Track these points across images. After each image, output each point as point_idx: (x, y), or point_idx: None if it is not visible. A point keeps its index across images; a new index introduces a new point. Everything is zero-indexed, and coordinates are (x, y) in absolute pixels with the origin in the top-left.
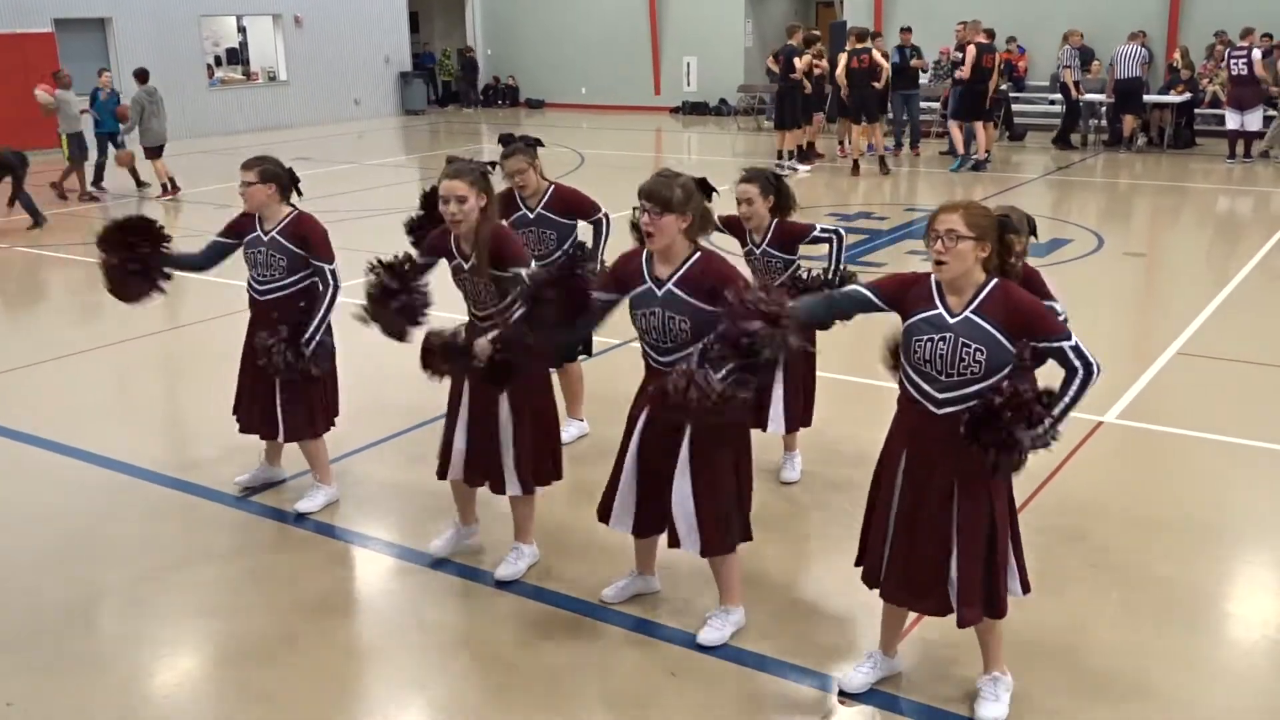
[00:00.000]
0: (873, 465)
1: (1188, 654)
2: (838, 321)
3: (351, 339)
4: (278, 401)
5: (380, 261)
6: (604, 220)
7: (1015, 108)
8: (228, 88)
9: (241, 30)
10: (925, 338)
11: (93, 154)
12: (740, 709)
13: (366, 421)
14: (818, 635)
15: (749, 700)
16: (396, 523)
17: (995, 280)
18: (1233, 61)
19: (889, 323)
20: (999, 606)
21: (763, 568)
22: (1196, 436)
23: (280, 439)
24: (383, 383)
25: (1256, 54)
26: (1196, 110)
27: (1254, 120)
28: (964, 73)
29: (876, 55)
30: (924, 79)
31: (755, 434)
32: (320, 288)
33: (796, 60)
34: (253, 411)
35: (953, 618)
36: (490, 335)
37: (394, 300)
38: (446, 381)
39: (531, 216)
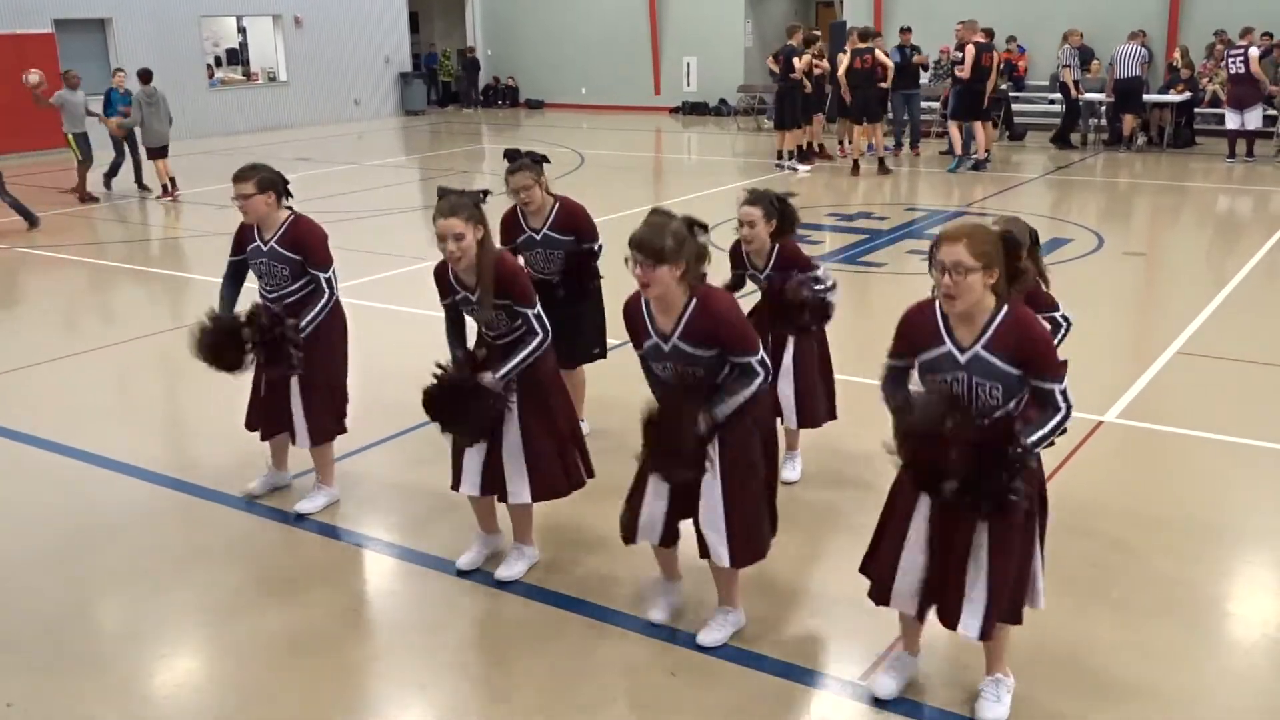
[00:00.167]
0: (873, 465)
1: (1188, 654)
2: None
3: (351, 339)
4: (297, 405)
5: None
6: (597, 250)
7: (1015, 107)
8: (228, 88)
9: (241, 31)
10: (939, 377)
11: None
12: (740, 709)
13: (367, 421)
14: (817, 635)
15: (749, 700)
16: (397, 523)
17: (1005, 307)
18: (1230, 61)
19: (888, 324)
20: (1018, 615)
21: (762, 568)
22: (1197, 436)
23: (307, 443)
24: (383, 383)
25: (1254, 52)
26: (1196, 110)
27: (1254, 119)
28: (963, 72)
29: (880, 55)
30: (924, 78)
31: None
32: (314, 294)
33: (796, 60)
34: (270, 418)
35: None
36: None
37: (473, 402)
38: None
39: (538, 239)
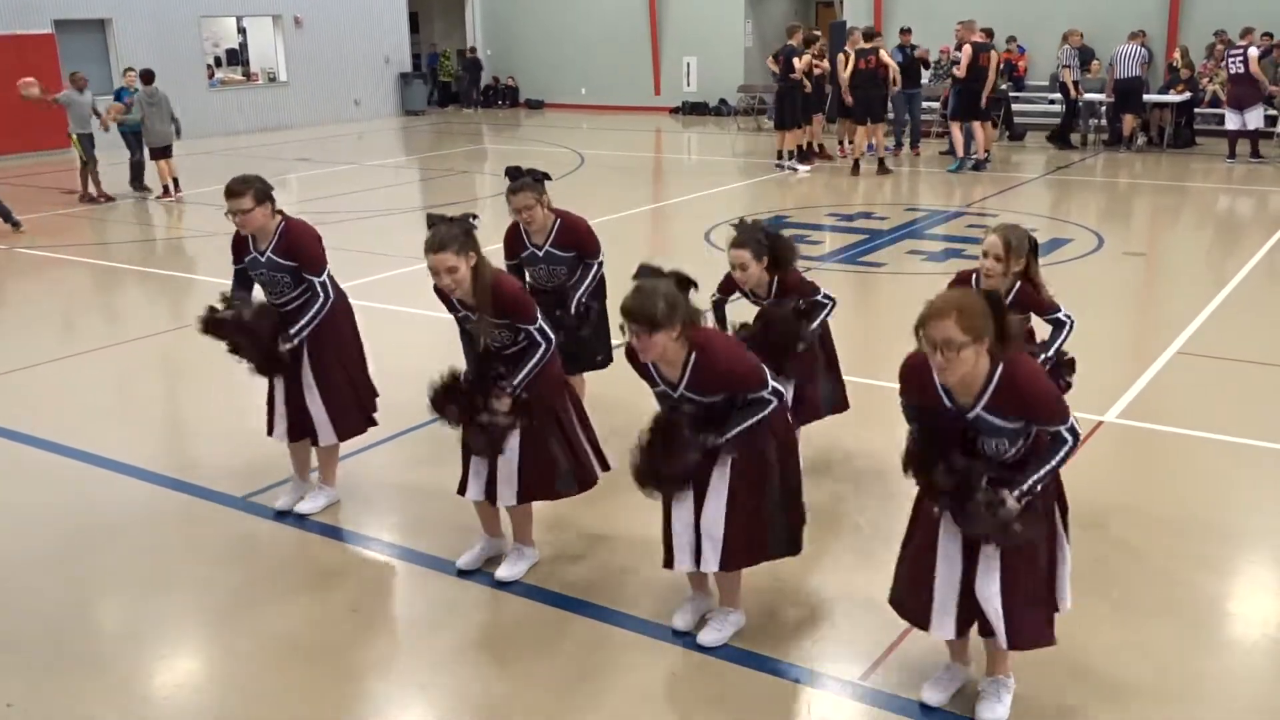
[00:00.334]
0: (873, 465)
1: (1188, 654)
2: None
3: None
4: (316, 405)
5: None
6: (599, 266)
7: (1015, 107)
8: (228, 88)
9: (241, 31)
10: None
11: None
12: (740, 709)
13: None
14: (817, 636)
15: (749, 700)
16: (398, 523)
17: (1000, 368)
18: (1230, 61)
19: (889, 324)
20: (1047, 633)
21: (762, 568)
22: (1197, 436)
23: (333, 439)
24: (384, 383)
25: (1253, 52)
26: (1196, 110)
27: (1254, 119)
28: (960, 71)
29: (883, 55)
30: (925, 77)
31: None
32: (310, 301)
33: (796, 60)
34: (293, 421)
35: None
36: (509, 400)
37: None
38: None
39: (541, 255)
